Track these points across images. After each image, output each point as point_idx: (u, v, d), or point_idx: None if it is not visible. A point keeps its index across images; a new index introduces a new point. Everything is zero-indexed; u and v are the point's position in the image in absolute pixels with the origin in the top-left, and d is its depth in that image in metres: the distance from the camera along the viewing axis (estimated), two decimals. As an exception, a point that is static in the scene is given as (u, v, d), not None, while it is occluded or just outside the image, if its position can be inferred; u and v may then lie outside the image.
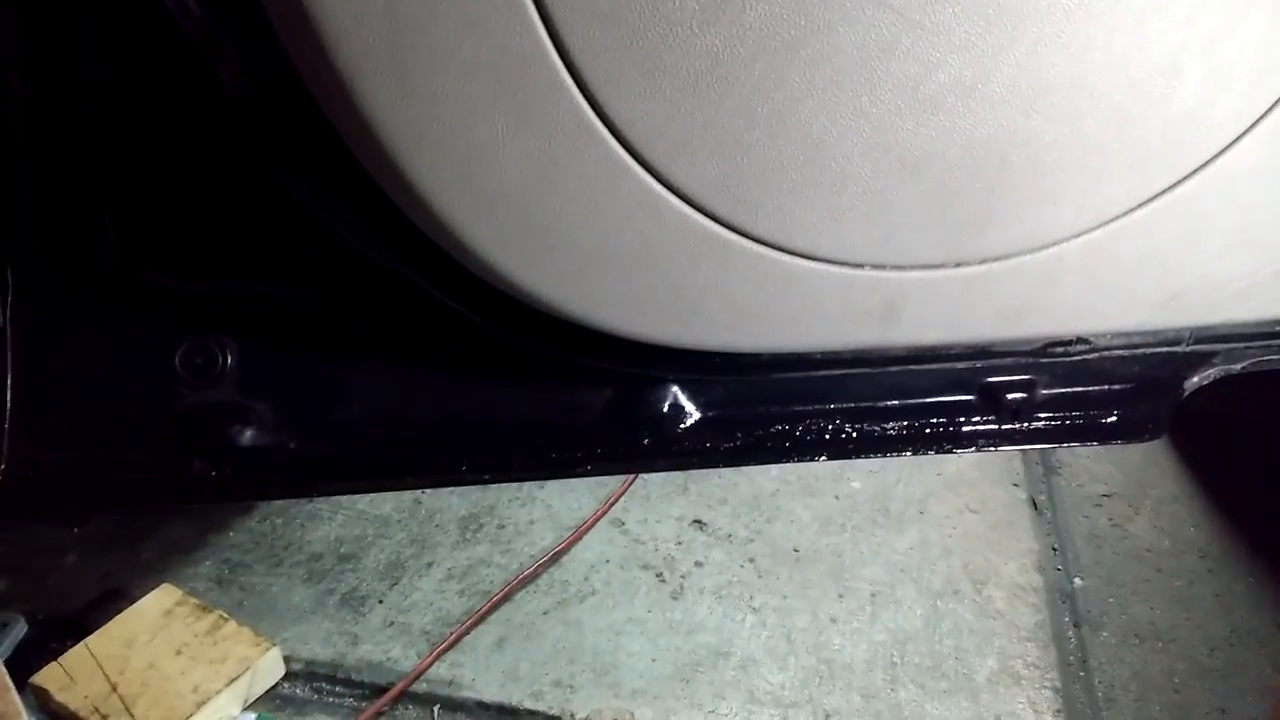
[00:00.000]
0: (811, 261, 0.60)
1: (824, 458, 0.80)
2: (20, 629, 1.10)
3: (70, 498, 0.71)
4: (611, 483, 1.40)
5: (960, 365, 0.78)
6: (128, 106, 0.67)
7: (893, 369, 0.76)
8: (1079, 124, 0.58)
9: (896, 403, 0.80)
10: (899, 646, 1.14)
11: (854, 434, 0.80)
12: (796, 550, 1.29)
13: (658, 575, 1.26)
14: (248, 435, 0.71)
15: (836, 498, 1.37)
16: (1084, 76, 0.56)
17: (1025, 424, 0.83)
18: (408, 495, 1.37)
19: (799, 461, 0.80)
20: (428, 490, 1.39)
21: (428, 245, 0.63)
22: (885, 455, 0.81)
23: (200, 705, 1.02)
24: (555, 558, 1.28)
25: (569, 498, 1.38)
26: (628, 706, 1.08)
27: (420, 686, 1.10)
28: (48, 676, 1.05)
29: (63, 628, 1.15)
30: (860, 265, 0.61)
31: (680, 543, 1.31)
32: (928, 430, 0.81)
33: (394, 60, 0.50)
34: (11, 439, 0.69)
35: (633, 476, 1.42)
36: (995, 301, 0.66)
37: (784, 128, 0.55)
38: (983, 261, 0.63)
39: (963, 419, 0.82)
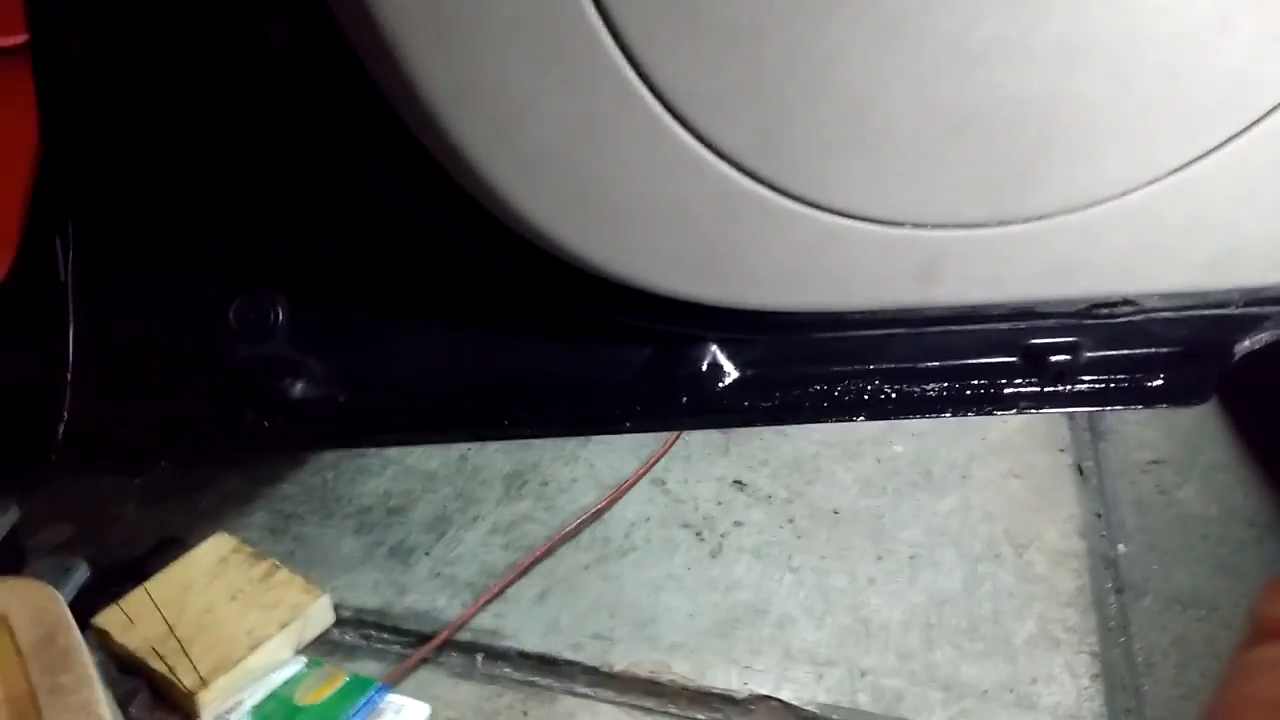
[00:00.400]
0: (851, 220, 0.60)
1: (862, 418, 0.80)
2: (83, 573, 1.15)
3: (130, 448, 0.74)
4: (653, 443, 1.41)
5: (1003, 326, 0.77)
6: (181, 66, 0.68)
7: (933, 329, 0.76)
8: (1127, 80, 0.57)
9: (937, 364, 0.80)
10: (936, 608, 1.14)
11: (893, 395, 0.80)
12: (836, 512, 1.29)
13: (697, 534, 1.27)
14: (299, 388, 0.73)
15: (878, 460, 1.37)
16: (1132, 31, 0.55)
17: (1068, 386, 0.82)
18: (454, 452, 1.40)
19: (837, 421, 0.81)
20: (473, 447, 1.42)
21: (471, 203, 0.64)
22: (924, 416, 0.81)
23: (254, 648, 1.06)
24: (597, 515, 1.30)
25: (611, 457, 1.40)
26: (665, 659, 1.10)
27: (464, 635, 1.13)
28: (108, 619, 1.10)
29: (123, 573, 1.19)
30: (900, 224, 0.61)
31: (720, 503, 1.33)
32: (968, 392, 0.81)
33: (435, 17, 0.50)
34: (74, 392, 0.72)
35: (674, 437, 1.43)
36: (1038, 261, 0.65)
37: (824, 84, 0.55)
38: (1026, 220, 0.63)
39: (1004, 381, 0.82)
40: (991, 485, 1.32)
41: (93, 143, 0.70)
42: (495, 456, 1.41)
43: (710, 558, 1.24)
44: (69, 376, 0.72)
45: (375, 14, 0.51)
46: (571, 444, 1.43)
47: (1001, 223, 0.63)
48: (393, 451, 1.39)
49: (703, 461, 1.40)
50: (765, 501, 1.32)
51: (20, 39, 0.86)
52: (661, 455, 1.40)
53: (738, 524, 1.29)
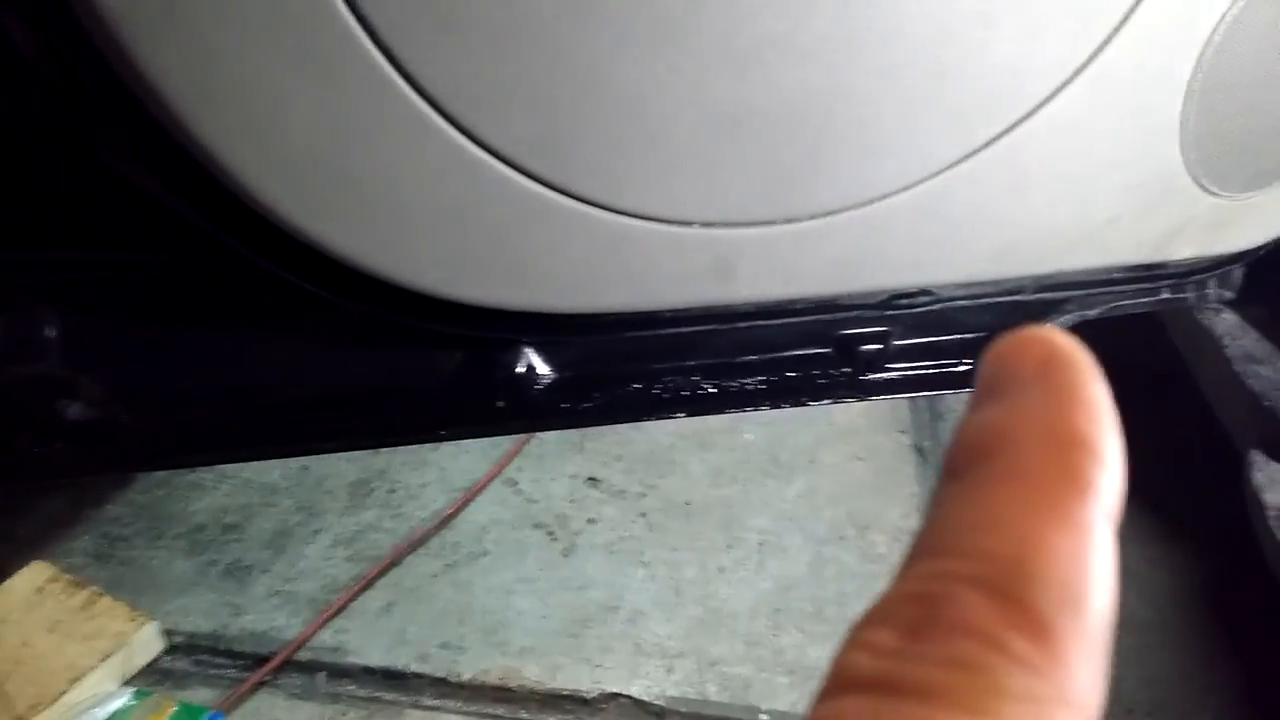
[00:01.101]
0: (639, 220, 0.59)
1: (683, 414, 0.80)
2: (-119, 615, 1.06)
3: (-113, 481, 0.68)
4: (505, 443, 1.39)
5: (811, 319, 0.78)
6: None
7: (744, 324, 0.76)
8: (896, 76, 0.58)
9: (754, 357, 0.80)
10: (783, 593, 1.16)
11: (712, 390, 0.80)
12: (688, 503, 1.30)
13: (550, 534, 1.26)
14: (75, 409, 0.69)
15: (730, 450, 1.38)
16: (898, 28, 0.56)
17: (881, 374, 0.84)
18: (295, 461, 1.35)
19: (659, 419, 0.80)
20: (317, 455, 1.37)
21: (247, 209, 0.61)
22: (745, 410, 0.82)
23: (73, 682, 1.00)
24: (447, 520, 1.27)
25: (462, 459, 1.37)
26: (515, 664, 1.08)
27: (304, 654, 1.09)
28: (-86, 660, 1.02)
29: (-68, 611, 1.10)
30: (689, 223, 0.61)
31: (573, 500, 1.32)
32: (786, 384, 0.82)
33: (165, 9, 0.47)
34: None
35: (527, 436, 1.41)
36: (829, 256, 0.66)
37: (595, 85, 0.54)
38: (812, 217, 0.63)
39: (819, 371, 0.83)
40: (837, 469, 1.35)
41: None
42: (339, 464, 1.36)
43: (563, 557, 1.23)
44: None
45: (98, 7, 0.47)
46: (422, 448, 1.39)
47: (788, 220, 0.63)
48: (227, 465, 1.33)
49: (556, 459, 1.38)
50: (619, 497, 1.32)
51: None
52: (514, 455, 1.38)
53: (591, 521, 1.28)
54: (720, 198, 0.60)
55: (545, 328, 0.73)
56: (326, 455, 1.37)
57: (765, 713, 1.03)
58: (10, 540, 1.23)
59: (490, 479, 1.34)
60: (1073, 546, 0.13)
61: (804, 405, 0.82)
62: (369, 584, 1.18)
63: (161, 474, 1.30)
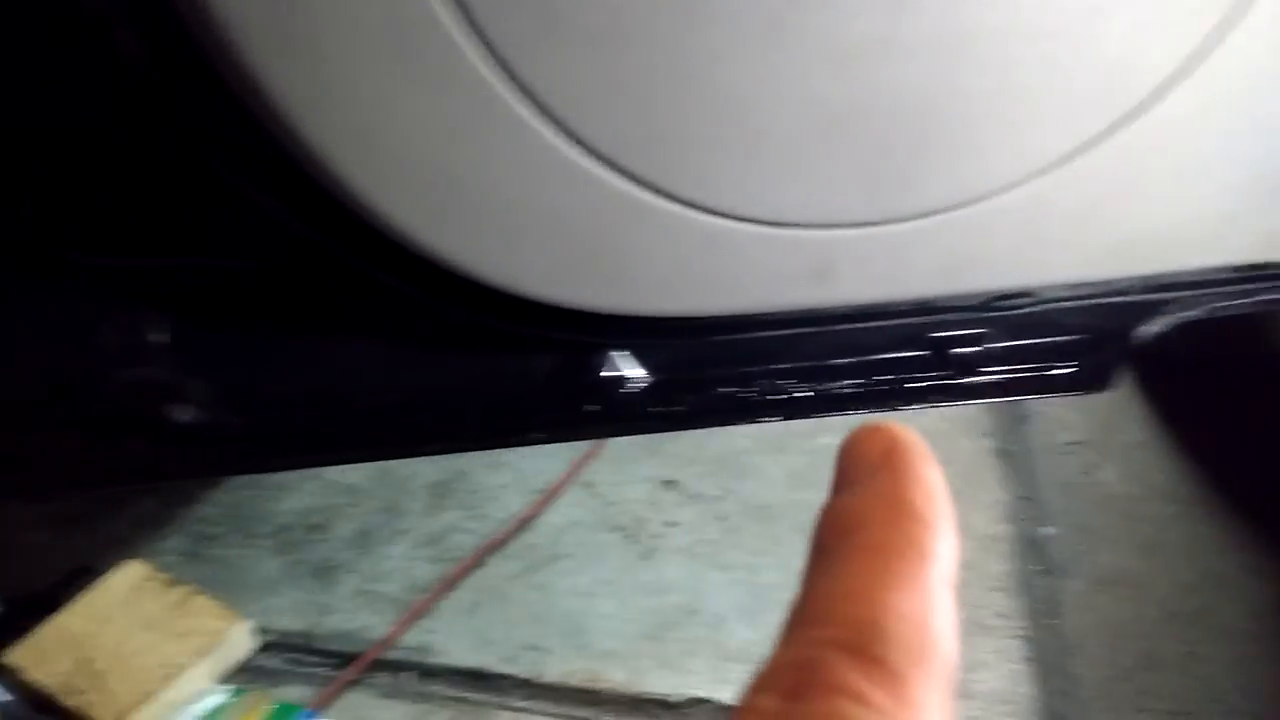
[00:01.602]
0: (736, 221, 0.59)
1: (778, 418, 0.79)
2: (-7, 609, 1.10)
3: (6, 483, 0.70)
4: (581, 445, 1.39)
5: (908, 321, 0.77)
6: (35, 79, 0.65)
7: (840, 327, 0.75)
8: (1006, 73, 0.56)
9: (846, 360, 0.79)
10: (867, 600, 1.14)
11: (806, 393, 0.79)
12: (767, 507, 1.29)
13: (628, 537, 1.26)
14: (185, 413, 0.70)
15: (807, 453, 1.37)
16: (1006, 23, 0.54)
17: (977, 378, 0.82)
18: (376, 463, 1.37)
19: (751, 423, 0.80)
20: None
21: (350, 214, 0.61)
22: (839, 414, 0.81)
23: (171, 679, 1.03)
24: (526, 522, 1.28)
25: (539, 461, 1.38)
26: (599, 667, 1.08)
27: (392, 654, 1.11)
28: (19, 655, 1.06)
29: (32, 605, 1.15)
30: (789, 225, 0.60)
31: (651, 503, 1.31)
32: (880, 387, 0.80)
33: (276, 16, 0.48)
34: (-58, 426, 0.69)
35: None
36: (931, 258, 0.64)
37: (696, 84, 0.54)
38: (914, 218, 0.62)
39: (914, 375, 0.81)
40: (920, 474, 1.32)
41: (-51, 164, 0.67)
42: (420, 466, 1.38)
43: (641, 560, 1.22)
44: (-67, 413, 0.68)
45: (213, 15, 0.48)
46: (499, 450, 1.40)
47: (889, 221, 0.62)
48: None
49: (632, 462, 1.38)
50: (696, 500, 1.31)
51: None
52: (590, 458, 1.38)
53: (669, 524, 1.28)
54: (821, 198, 0.59)
55: (636, 331, 0.73)
56: (366, 463, 1.38)
57: None
58: (104, 539, 1.27)
59: (567, 481, 1.35)
60: (916, 607, 0.15)
61: (897, 409, 0.80)
62: (452, 585, 1.19)
63: (248, 475, 1.33)
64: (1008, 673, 1.07)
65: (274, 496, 1.31)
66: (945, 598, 0.15)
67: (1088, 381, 0.83)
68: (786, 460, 1.36)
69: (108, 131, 0.65)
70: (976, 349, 0.80)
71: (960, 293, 0.71)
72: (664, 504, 1.30)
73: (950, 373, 0.81)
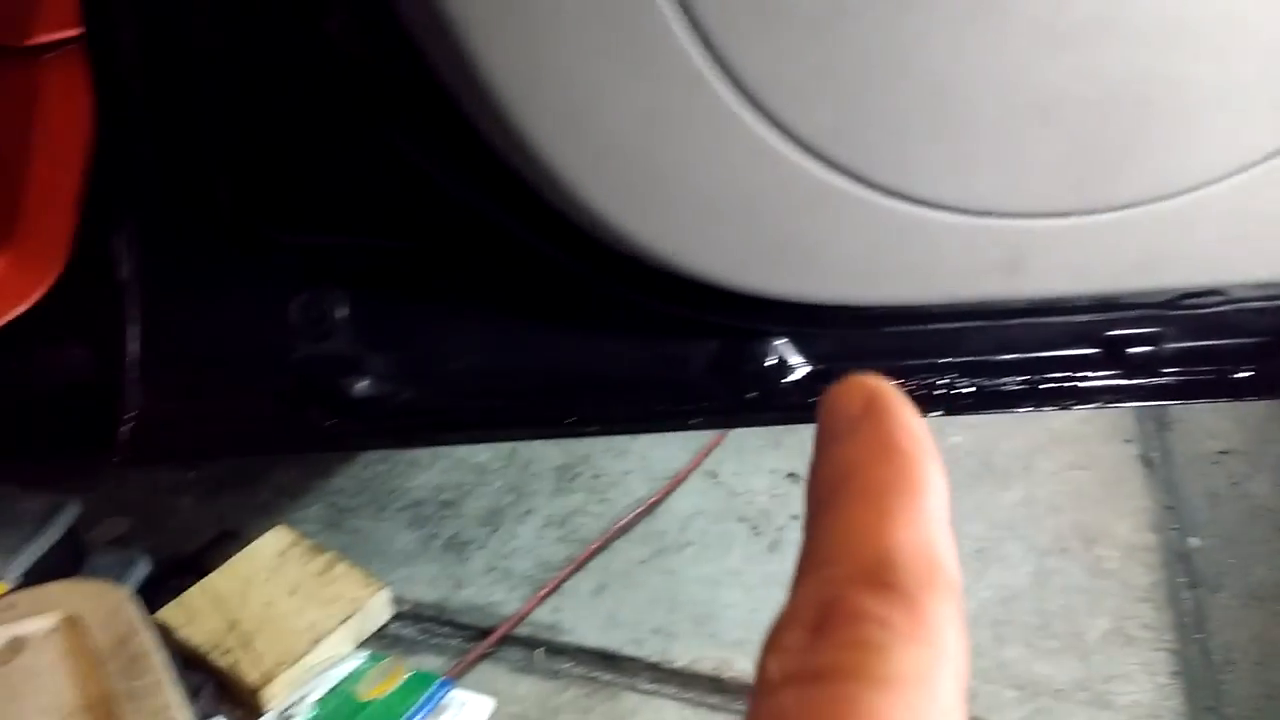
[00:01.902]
0: (933, 210, 0.58)
1: (939, 413, 0.78)
2: (144, 568, 1.15)
3: (194, 446, 0.73)
4: (704, 435, 1.39)
5: (1084, 318, 0.75)
6: (238, 58, 0.67)
7: (1012, 322, 0.73)
8: (1225, 60, 0.54)
9: (1015, 356, 0.77)
10: (1005, 604, 1.12)
11: (970, 389, 0.77)
12: (896, 504, 1.26)
13: (753, 528, 1.26)
14: (360, 386, 0.73)
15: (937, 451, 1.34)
16: (1232, 10, 0.52)
17: (1151, 379, 0.79)
18: (504, 444, 1.39)
19: (909, 416, 0.78)
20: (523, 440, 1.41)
21: (532, 196, 0.62)
22: (1002, 411, 0.79)
23: (315, 643, 1.06)
24: (650, 508, 1.29)
25: (662, 449, 1.38)
26: (728, 656, 1.08)
27: (523, 630, 1.13)
28: (170, 614, 1.11)
29: (181, 567, 1.20)
30: (985, 213, 0.58)
31: (775, 495, 1.30)
32: (1047, 385, 0.78)
33: (502, 5, 0.49)
34: (136, 391, 0.72)
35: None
36: (1127, 251, 0.62)
37: (908, 68, 0.53)
38: (1115, 209, 0.60)
39: (1084, 373, 0.78)
40: (1056, 477, 1.29)
41: (151, 139, 0.70)
42: (546, 449, 1.39)
43: (768, 552, 1.22)
44: (131, 376, 0.71)
45: (441, 5, 0.49)
46: (622, 436, 1.41)
47: (1089, 211, 0.60)
48: (441, 446, 1.39)
49: (755, 453, 1.38)
50: (823, 494, 1.30)
51: (74, 32, 0.86)
52: (714, 447, 1.38)
53: (794, 517, 1.26)
54: (1021, 187, 0.58)
55: (806, 318, 0.72)
56: (532, 441, 1.40)
57: (990, 726, 0.99)
58: (247, 507, 1.32)
59: (691, 470, 1.35)
60: (920, 537, 0.17)
61: (1067, 408, 0.78)
62: (580, 566, 1.20)
63: (382, 450, 1.37)
64: (1153, 686, 1.03)
65: (406, 473, 1.35)
66: (944, 526, 0.17)
67: (1266, 387, 0.79)
68: (916, 457, 1.33)
69: (309, 114, 0.68)
70: (1152, 349, 0.77)
71: (1150, 289, 0.68)
72: (789, 497, 1.29)
73: (1121, 372, 0.79)
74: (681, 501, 1.30)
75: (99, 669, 0.65)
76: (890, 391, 0.20)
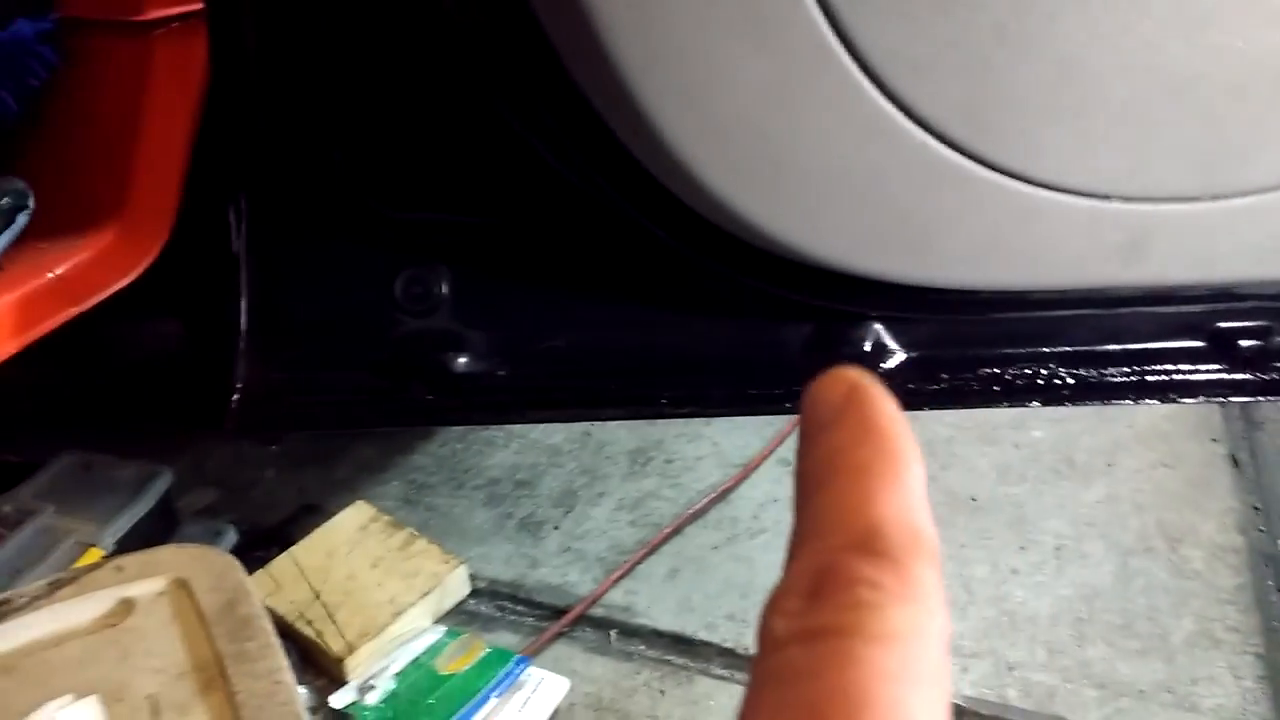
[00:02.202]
0: (1055, 193, 0.57)
1: (1036, 403, 0.76)
2: (232, 538, 1.18)
3: (298, 417, 0.75)
4: (779, 422, 1.38)
5: (1194, 308, 0.73)
6: (352, 32, 0.68)
7: (1120, 310, 0.72)
8: (1377, 40, 0.52)
9: (1118, 347, 0.76)
10: (1086, 602, 1.10)
11: (1069, 380, 0.76)
12: (974, 499, 1.25)
13: (828, 516, 1.25)
14: (461, 362, 0.74)
15: (1016, 446, 1.32)
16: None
17: (1259, 374, 0.77)
18: (578, 427, 1.40)
19: (1009, 406, 0.77)
20: (597, 423, 1.42)
21: (638, 173, 0.63)
22: (1101, 403, 0.77)
23: (396, 616, 1.08)
24: (724, 494, 1.29)
25: (736, 435, 1.38)
26: (801, 644, 1.08)
27: (597, 610, 1.13)
28: (256, 583, 1.13)
29: (265, 538, 1.23)
30: (1108, 197, 0.57)
31: (851, 485, 1.29)
32: (1151, 378, 0.76)
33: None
34: (247, 360, 0.74)
35: (799, 417, 1.40)
36: (1253, 238, 0.60)
37: (1038, 46, 0.52)
38: (1244, 194, 0.58)
39: (1189, 366, 0.77)
40: (1140, 475, 1.26)
41: (266, 114, 0.71)
42: (619, 432, 1.40)
43: (843, 541, 1.21)
44: (242, 346, 0.73)
45: (574, -19, 0.50)
46: (696, 421, 1.41)
47: (1216, 196, 0.58)
48: (516, 425, 1.40)
49: (831, 443, 1.37)
50: (898, 486, 1.28)
51: (184, 8, 0.88)
52: (788, 434, 1.37)
53: (870, 508, 1.25)
54: (1147, 171, 0.57)
55: (906, 304, 0.71)
56: (605, 424, 1.41)
57: (1073, 724, 0.98)
58: (328, 481, 1.34)
59: (765, 457, 1.34)
60: (904, 507, 0.19)
61: (1171, 401, 0.76)
62: (654, 549, 1.21)
63: (459, 430, 1.39)
64: (1239, 690, 1.00)
65: (482, 452, 1.36)
66: (923, 499, 0.19)
67: (1385, 386, 0.77)
68: (994, 452, 1.31)
69: (420, 88, 0.68)
70: (1262, 342, 0.75)
71: (1273, 278, 0.66)
72: (864, 487, 1.28)
73: (1228, 366, 0.77)
74: (755, 488, 1.30)
75: (207, 631, 0.66)
76: (870, 382, 0.22)
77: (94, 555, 1.02)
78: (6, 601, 0.73)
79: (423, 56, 0.67)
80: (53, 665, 0.68)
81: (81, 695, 0.62)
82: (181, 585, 0.70)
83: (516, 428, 1.39)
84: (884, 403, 0.21)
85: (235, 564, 0.70)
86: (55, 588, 0.73)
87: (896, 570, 0.18)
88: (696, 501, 1.26)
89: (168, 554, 0.73)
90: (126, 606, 0.71)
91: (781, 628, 0.18)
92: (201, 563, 0.70)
